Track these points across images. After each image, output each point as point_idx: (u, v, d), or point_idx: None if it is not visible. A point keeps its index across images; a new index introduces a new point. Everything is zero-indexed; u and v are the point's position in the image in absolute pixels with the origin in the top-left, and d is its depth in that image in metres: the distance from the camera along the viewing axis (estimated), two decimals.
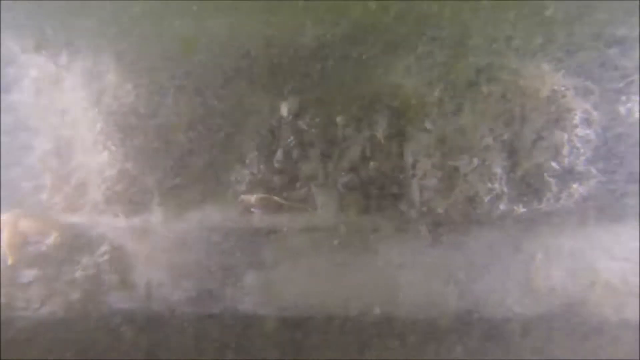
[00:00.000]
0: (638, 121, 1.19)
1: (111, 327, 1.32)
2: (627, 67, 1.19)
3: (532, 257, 1.24)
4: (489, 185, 1.20)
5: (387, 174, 1.25)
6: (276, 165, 1.29)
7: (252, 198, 1.29)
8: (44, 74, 1.33)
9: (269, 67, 1.28)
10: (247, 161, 1.30)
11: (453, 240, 1.25)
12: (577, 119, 1.18)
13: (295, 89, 1.27)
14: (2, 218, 1.31)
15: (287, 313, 1.29)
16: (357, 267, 1.28)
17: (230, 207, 1.30)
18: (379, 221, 1.27)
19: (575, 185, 1.20)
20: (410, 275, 1.26)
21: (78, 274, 1.32)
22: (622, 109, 1.20)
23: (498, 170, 1.21)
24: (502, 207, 1.21)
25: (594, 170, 1.20)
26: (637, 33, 1.17)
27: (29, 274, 1.32)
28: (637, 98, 1.19)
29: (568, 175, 1.20)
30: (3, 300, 1.30)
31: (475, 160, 1.21)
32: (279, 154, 1.28)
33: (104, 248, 1.32)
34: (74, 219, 1.33)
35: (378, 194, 1.26)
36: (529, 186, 1.21)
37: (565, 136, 1.19)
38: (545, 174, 1.20)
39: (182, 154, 1.31)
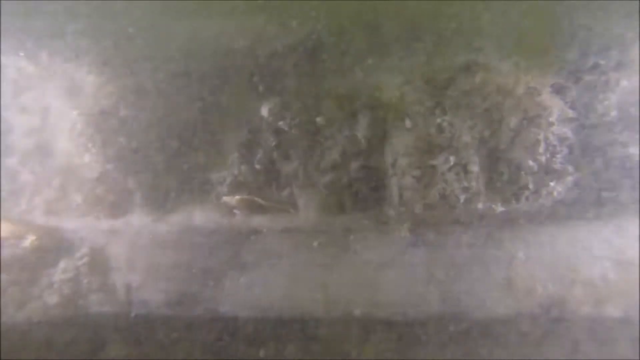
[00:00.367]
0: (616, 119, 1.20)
1: (90, 330, 1.31)
2: (604, 65, 1.20)
3: (512, 256, 1.24)
4: (465, 184, 1.21)
5: (367, 174, 1.26)
6: (257, 166, 1.29)
7: (234, 199, 1.29)
8: (23, 75, 1.32)
9: (249, 68, 1.28)
10: (229, 162, 1.30)
11: (433, 240, 1.25)
12: (553, 117, 1.19)
13: (276, 89, 1.28)
14: None
15: (268, 314, 1.28)
16: (338, 267, 1.27)
17: (212, 208, 1.30)
18: (359, 221, 1.27)
19: (552, 184, 1.21)
20: (390, 274, 1.26)
21: (56, 277, 1.30)
22: (599, 107, 1.21)
23: (475, 169, 1.22)
24: (480, 205, 1.22)
25: (570, 168, 1.21)
26: (620, 32, 1.18)
27: (3, 279, 1.30)
28: (614, 96, 1.20)
29: (545, 173, 1.21)
30: None
31: (452, 159, 1.22)
32: (260, 155, 1.28)
33: (84, 250, 1.31)
34: (54, 221, 1.32)
35: (358, 194, 1.26)
36: (507, 184, 1.22)
37: (542, 134, 1.19)
38: (522, 172, 1.21)
39: (163, 156, 1.31)
